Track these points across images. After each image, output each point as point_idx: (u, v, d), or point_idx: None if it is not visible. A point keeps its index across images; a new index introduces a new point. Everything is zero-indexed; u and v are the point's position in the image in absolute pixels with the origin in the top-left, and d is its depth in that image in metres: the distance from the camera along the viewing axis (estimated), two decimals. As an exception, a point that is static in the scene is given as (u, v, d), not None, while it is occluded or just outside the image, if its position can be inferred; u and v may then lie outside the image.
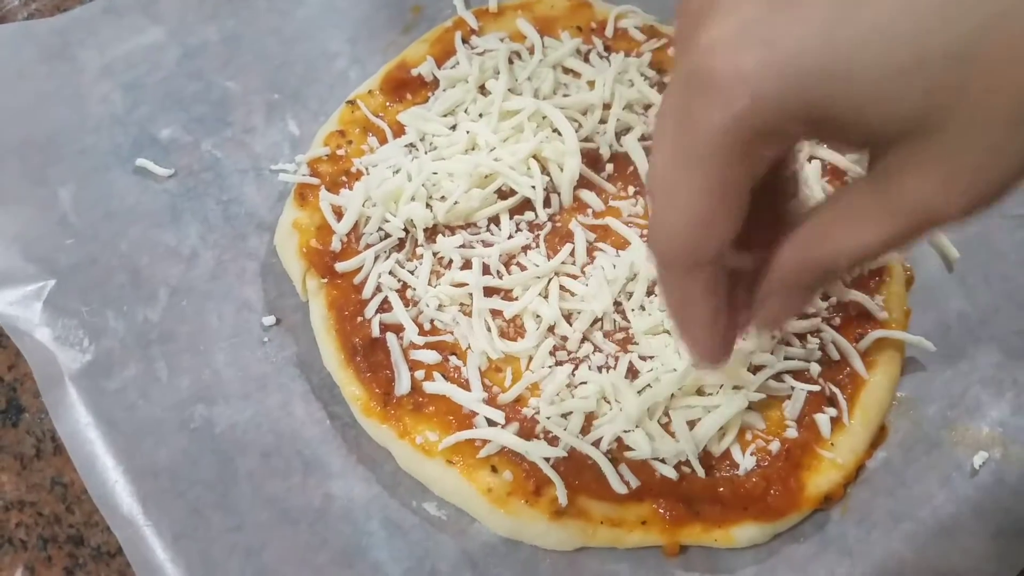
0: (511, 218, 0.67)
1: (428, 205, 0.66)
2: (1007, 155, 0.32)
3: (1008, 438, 0.63)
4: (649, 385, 0.60)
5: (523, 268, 0.65)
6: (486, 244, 0.65)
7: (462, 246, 0.65)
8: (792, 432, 0.61)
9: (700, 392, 0.61)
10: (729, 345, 0.44)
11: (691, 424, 0.59)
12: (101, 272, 0.64)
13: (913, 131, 0.32)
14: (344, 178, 0.68)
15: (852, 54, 0.31)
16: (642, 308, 0.63)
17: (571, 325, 0.63)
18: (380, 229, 0.65)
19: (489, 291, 0.63)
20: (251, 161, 0.71)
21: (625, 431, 0.58)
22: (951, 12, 0.30)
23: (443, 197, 0.66)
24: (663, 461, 0.58)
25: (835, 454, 0.60)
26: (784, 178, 0.43)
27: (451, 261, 0.65)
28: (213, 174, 0.70)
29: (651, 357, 0.62)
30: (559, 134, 0.69)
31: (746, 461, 0.59)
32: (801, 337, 0.65)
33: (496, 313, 0.63)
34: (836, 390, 0.63)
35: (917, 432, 0.63)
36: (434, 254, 0.65)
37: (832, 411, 0.62)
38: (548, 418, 0.59)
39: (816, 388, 0.62)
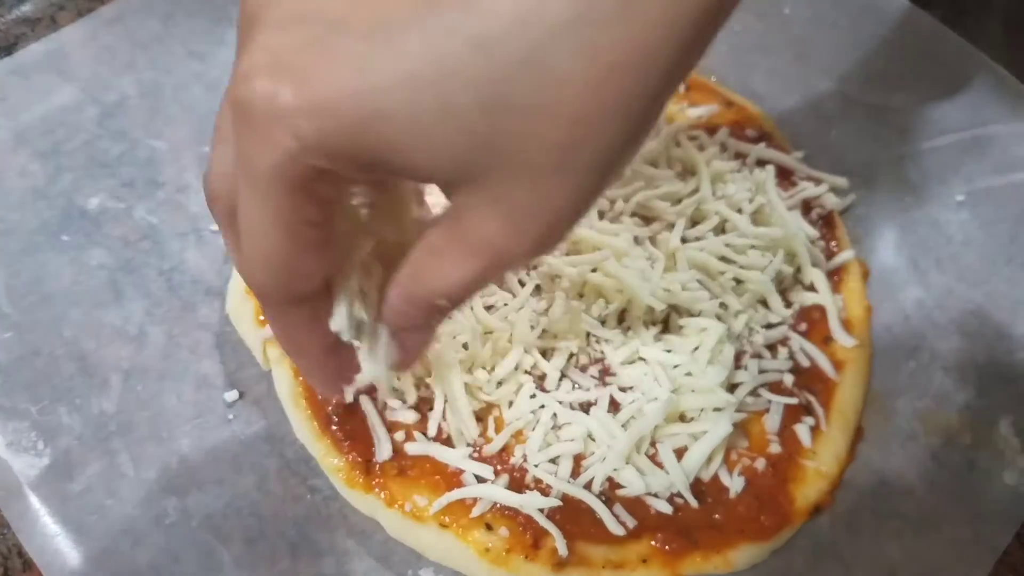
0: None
1: (384, 254, 0.64)
2: (556, 200, 0.32)
3: (975, 421, 0.65)
4: (633, 417, 0.60)
5: (490, 307, 0.63)
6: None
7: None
8: (775, 447, 0.61)
9: (683, 418, 0.61)
10: (347, 376, 0.44)
11: (678, 453, 0.59)
12: (46, 364, 0.60)
13: (465, 176, 0.32)
14: (293, 233, 0.65)
15: (385, 99, 0.30)
16: (616, 339, 0.63)
17: (548, 361, 0.62)
18: (338, 285, 0.63)
19: (459, 337, 0.62)
20: (190, 223, 0.68)
21: (615, 469, 0.58)
22: (476, 59, 0.29)
23: (399, 243, 0.64)
24: (655, 495, 0.58)
25: (818, 462, 0.61)
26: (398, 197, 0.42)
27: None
28: (151, 242, 0.66)
29: (630, 388, 0.61)
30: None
31: (735, 483, 0.59)
32: (771, 348, 0.65)
33: (469, 360, 0.61)
34: (811, 398, 0.63)
35: (890, 427, 0.65)
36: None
37: (810, 420, 0.62)
38: (536, 466, 0.58)
39: (793, 400, 0.62)
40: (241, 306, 0.62)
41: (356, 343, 0.42)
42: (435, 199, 0.40)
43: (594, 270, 0.64)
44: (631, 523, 0.56)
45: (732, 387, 0.62)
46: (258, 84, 0.30)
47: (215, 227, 0.67)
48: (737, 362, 0.62)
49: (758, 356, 0.64)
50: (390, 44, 0.29)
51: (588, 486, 0.57)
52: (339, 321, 0.40)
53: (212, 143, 0.37)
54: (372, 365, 0.43)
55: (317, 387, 0.47)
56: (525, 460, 0.58)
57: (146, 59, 0.74)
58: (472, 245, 0.34)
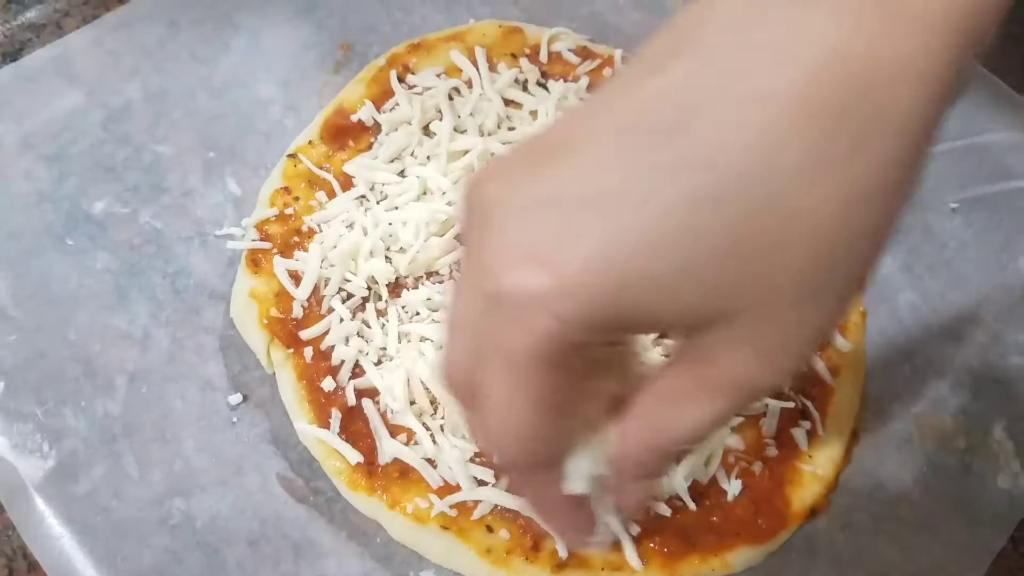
0: (472, 261, 0.66)
1: (387, 258, 0.65)
2: (805, 329, 0.34)
3: (970, 425, 0.65)
4: (631, 421, 0.60)
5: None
6: (452, 293, 0.64)
7: (428, 299, 0.63)
8: (772, 450, 0.62)
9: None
10: (593, 520, 0.45)
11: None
12: (51, 366, 0.61)
13: (711, 320, 0.33)
14: (296, 238, 0.66)
15: (635, 267, 0.31)
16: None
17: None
18: (341, 289, 0.64)
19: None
20: (194, 228, 0.68)
21: (615, 472, 0.58)
22: (715, 216, 0.30)
23: (401, 248, 0.65)
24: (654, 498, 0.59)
25: (814, 466, 0.62)
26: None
27: (418, 312, 0.64)
28: (155, 246, 0.67)
29: (629, 392, 0.62)
30: (510, 170, 0.68)
31: (733, 486, 0.60)
32: (769, 352, 0.66)
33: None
34: (807, 402, 0.64)
35: (886, 431, 0.65)
36: (403, 308, 0.64)
37: (806, 424, 0.63)
38: (537, 468, 0.58)
39: (790, 404, 0.63)
40: (245, 310, 0.63)
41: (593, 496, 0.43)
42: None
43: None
44: (635, 528, 0.57)
45: (730, 391, 0.62)
46: (513, 275, 0.32)
47: (220, 231, 0.68)
48: (735, 366, 0.63)
49: (756, 361, 0.64)
50: (630, 216, 0.31)
51: (588, 489, 0.58)
52: (577, 482, 0.41)
53: (446, 333, 0.38)
54: (609, 515, 0.45)
55: (566, 541, 0.49)
56: (525, 463, 0.59)
57: (151, 65, 0.75)
58: (717, 385, 0.35)
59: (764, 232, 0.31)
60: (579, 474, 0.41)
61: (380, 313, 0.64)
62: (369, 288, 0.64)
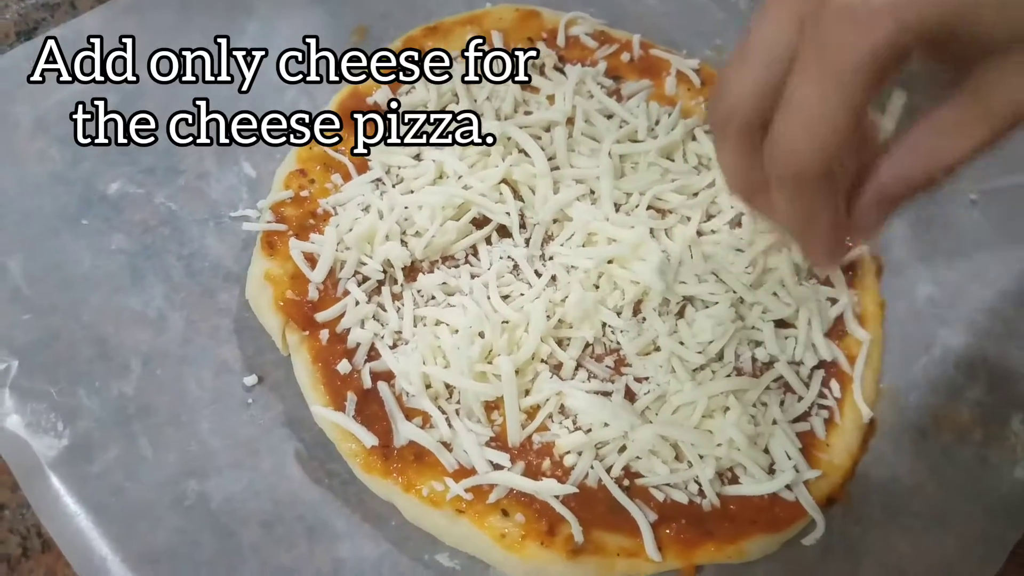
0: (488, 243, 0.66)
1: (403, 242, 0.64)
2: None
3: (987, 417, 0.65)
4: (648, 407, 0.60)
5: (506, 297, 0.64)
6: (470, 276, 0.64)
7: (444, 283, 0.63)
8: (791, 439, 0.61)
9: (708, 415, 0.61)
10: (843, 247, 0.52)
11: (693, 445, 0.60)
12: (65, 347, 0.61)
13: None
14: (312, 221, 0.65)
15: None
16: (631, 329, 0.63)
17: (564, 350, 0.62)
18: (357, 272, 0.63)
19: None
20: (209, 210, 0.68)
21: (638, 457, 0.58)
22: None
23: (417, 232, 0.65)
24: (671, 485, 0.58)
25: (831, 456, 0.62)
26: None
27: (433, 296, 0.63)
28: (170, 228, 0.67)
29: (646, 379, 0.62)
30: (527, 155, 0.68)
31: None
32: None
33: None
34: (826, 390, 0.64)
35: (903, 422, 0.65)
36: (418, 292, 0.63)
37: (824, 412, 0.63)
38: (554, 452, 0.58)
39: (808, 394, 0.63)
40: (261, 292, 0.62)
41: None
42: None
43: (610, 262, 0.64)
44: (652, 517, 0.57)
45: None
46: None
47: (235, 213, 0.68)
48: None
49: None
50: None
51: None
52: (890, 120, 0.45)
53: (737, 65, 0.43)
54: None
55: (821, 257, 0.50)
56: (541, 447, 0.59)
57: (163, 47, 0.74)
58: (999, 107, 0.39)
59: None
60: (893, 115, 0.45)
61: (395, 297, 0.63)
62: (385, 271, 0.64)
